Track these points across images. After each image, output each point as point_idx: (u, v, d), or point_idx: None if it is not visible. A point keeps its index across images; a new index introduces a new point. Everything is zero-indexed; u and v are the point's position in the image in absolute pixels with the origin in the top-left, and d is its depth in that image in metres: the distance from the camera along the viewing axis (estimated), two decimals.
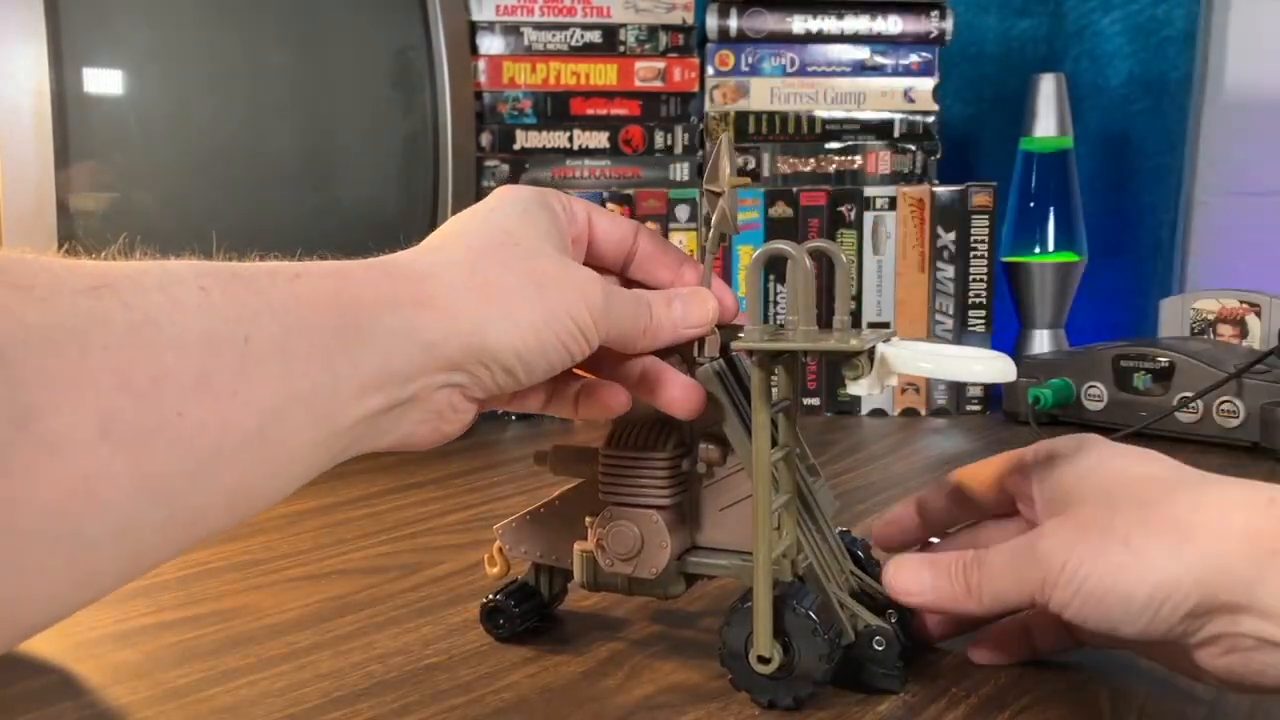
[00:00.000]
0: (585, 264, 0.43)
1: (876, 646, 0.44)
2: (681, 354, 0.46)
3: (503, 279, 0.38)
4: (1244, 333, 1.09)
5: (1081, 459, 0.43)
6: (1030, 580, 0.40)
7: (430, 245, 0.40)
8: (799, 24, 1.14)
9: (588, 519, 0.48)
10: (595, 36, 1.13)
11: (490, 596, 0.51)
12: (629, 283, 0.47)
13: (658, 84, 1.14)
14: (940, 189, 1.10)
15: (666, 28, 1.14)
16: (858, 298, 1.10)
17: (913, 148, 1.16)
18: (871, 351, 0.43)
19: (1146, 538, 0.38)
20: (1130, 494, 0.40)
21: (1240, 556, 0.36)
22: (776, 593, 0.43)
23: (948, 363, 0.43)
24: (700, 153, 1.15)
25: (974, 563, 0.42)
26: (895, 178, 1.15)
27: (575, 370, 0.44)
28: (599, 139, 1.13)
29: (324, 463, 0.35)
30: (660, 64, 1.14)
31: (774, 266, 1.10)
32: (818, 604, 0.44)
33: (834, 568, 0.47)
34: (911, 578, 0.44)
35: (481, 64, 1.11)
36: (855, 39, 1.15)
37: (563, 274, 0.40)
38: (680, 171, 1.15)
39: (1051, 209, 1.19)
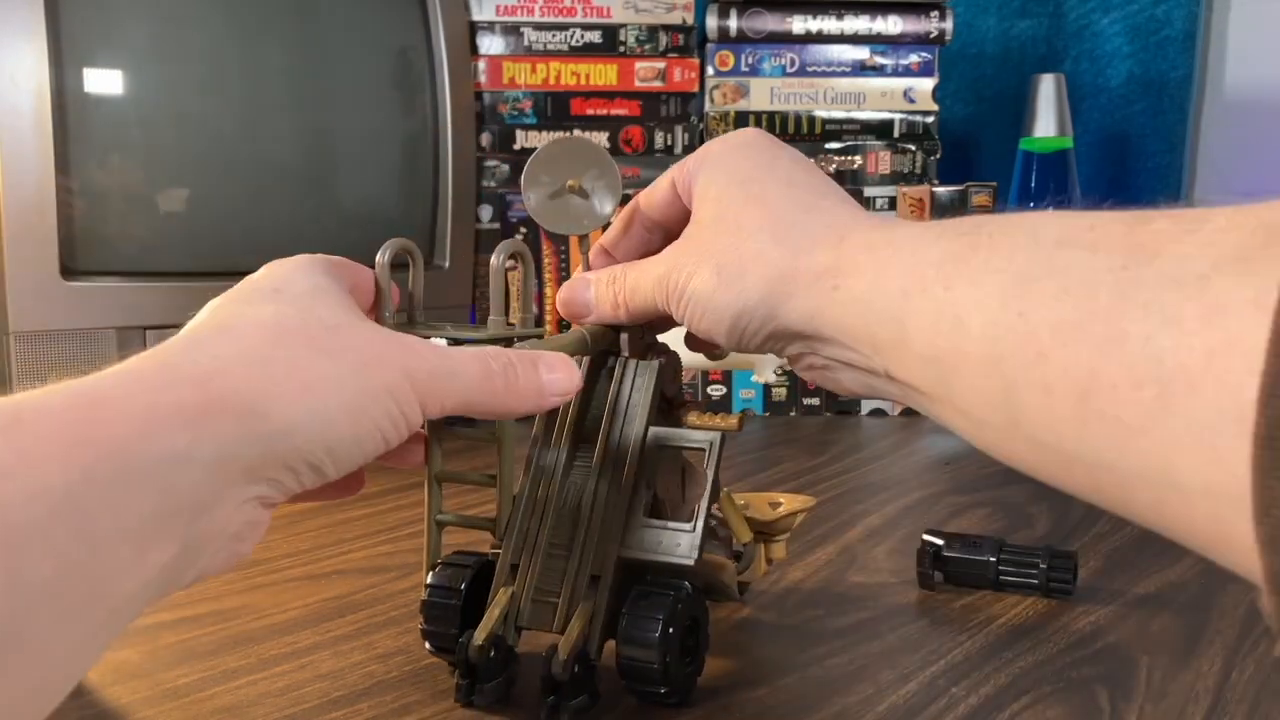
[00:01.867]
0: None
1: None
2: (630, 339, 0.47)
3: (307, 360, 0.32)
4: None
5: (719, 165, 0.43)
6: (657, 296, 0.43)
7: (210, 327, 0.33)
8: (799, 24, 1.14)
9: None
10: (595, 37, 1.13)
11: None
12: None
13: (658, 84, 1.14)
14: (940, 189, 1.10)
15: (666, 28, 1.14)
16: None
17: (913, 148, 1.16)
18: None
19: (730, 266, 0.40)
20: (733, 215, 0.41)
21: (804, 292, 0.38)
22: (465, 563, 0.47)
23: None
24: None
25: (620, 276, 0.45)
26: (895, 178, 1.15)
27: None
28: (599, 139, 1.13)
29: (107, 641, 0.27)
30: (660, 64, 1.14)
31: None
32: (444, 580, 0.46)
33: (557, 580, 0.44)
34: (576, 293, 0.46)
35: (482, 64, 1.11)
36: (855, 39, 1.15)
37: (375, 345, 0.34)
38: None
39: (1051, 209, 1.18)
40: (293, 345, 0.32)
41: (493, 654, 0.42)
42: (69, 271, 0.80)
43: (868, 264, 0.37)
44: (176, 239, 0.87)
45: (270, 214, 0.92)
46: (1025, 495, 0.76)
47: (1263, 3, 1.29)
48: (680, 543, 0.43)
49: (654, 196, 0.47)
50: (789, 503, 0.55)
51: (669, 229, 0.47)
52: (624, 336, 0.47)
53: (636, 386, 0.46)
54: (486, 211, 1.10)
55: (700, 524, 0.43)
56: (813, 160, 0.43)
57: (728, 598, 0.54)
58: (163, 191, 0.87)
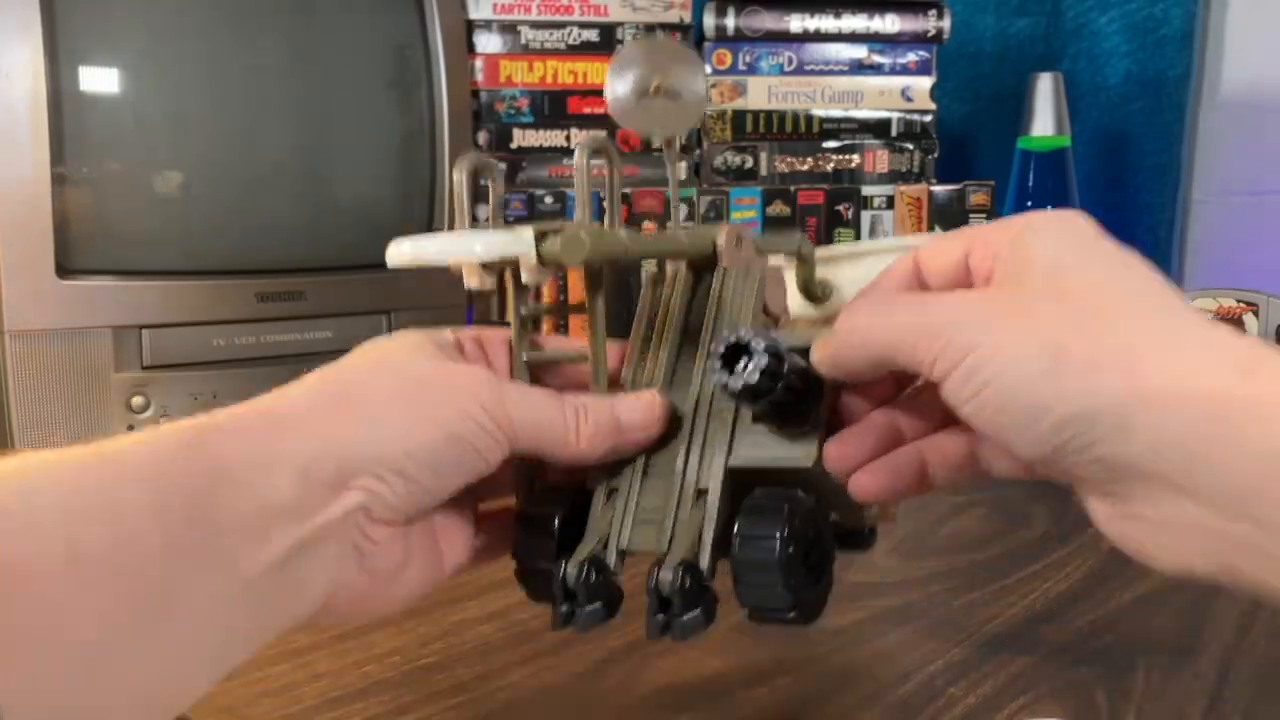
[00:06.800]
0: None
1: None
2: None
3: (369, 390, 0.35)
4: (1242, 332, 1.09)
5: (1063, 232, 0.34)
6: (920, 345, 0.31)
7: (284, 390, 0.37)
8: (796, 23, 1.14)
9: None
10: (592, 35, 1.13)
11: None
12: None
13: None
14: (938, 188, 1.10)
15: (664, 26, 1.13)
16: None
17: (910, 147, 1.16)
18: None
19: (1078, 352, 0.29)
20: (1087, 297, 0.31)
21: (1182, 417, 0.28)
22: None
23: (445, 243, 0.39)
24: (698, 151, 1.15)
25: (878, 297, 0.36)
26: (893, 176, 1.15)
27: None
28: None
29: (246, 623, 0.33)
30: None
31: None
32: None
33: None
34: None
35: (478, 62, 1.11)
36: (853, 38, 1.15)
37: (440, 372, 0.36)
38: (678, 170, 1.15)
39: (1049, 208, 1.18)
40: (352, 382, 0.35)
41: (593, 577, 0.38)
42: (64, 270, 0.80)
43: None
44: (172, 237, 0.87)
45: (267, 212, 0.92)
46: (1023, 495, 0.76)
47: (1261, 2, 1.29)
48: (795, 445, 0.37)
49: (939, 260, 0.36)
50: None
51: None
52: (721, 245, 0.43)
53: (736, 296, 0.42)
54: (483, 210, 1.10)
55: (818, 422, 0.37)
56: None
57: (854, 545, 0.45)
58: (158, 189, 0.87)
